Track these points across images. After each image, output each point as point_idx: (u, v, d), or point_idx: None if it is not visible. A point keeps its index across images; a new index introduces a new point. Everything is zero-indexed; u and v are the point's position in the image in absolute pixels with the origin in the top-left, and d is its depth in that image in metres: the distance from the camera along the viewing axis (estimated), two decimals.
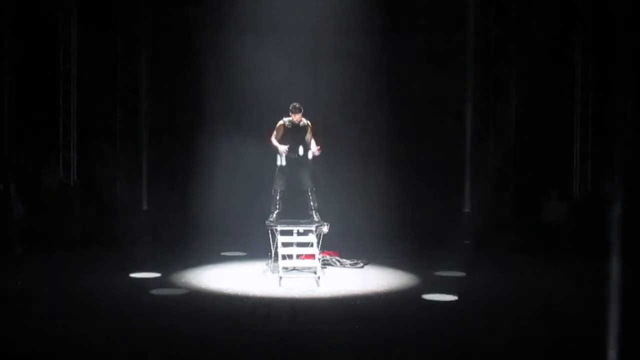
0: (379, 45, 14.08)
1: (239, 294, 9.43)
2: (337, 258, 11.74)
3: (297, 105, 10.61)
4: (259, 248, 11.54)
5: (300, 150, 10.65)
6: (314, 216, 10.81)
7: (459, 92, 14.29)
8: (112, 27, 14.23)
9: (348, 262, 11.67)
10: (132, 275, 10.66)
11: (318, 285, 9.92)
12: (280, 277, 9.98)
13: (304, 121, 10.71)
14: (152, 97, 14.36)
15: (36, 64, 14.02)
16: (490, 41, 14.17)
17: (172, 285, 10.03)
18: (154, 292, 9.54)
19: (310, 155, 10.66)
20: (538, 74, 13.79)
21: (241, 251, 12.79)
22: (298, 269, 10.53)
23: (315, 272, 10.11)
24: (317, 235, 10.57)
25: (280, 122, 10.69)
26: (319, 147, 10.64)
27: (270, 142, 10.74)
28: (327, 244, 11.24)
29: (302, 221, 10.83)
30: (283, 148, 10.62)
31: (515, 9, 14.02)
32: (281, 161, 10.70)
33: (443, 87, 14.27)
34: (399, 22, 14.44)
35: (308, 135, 10.73)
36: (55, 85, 14.16)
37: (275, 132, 10.69)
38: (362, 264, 11.68)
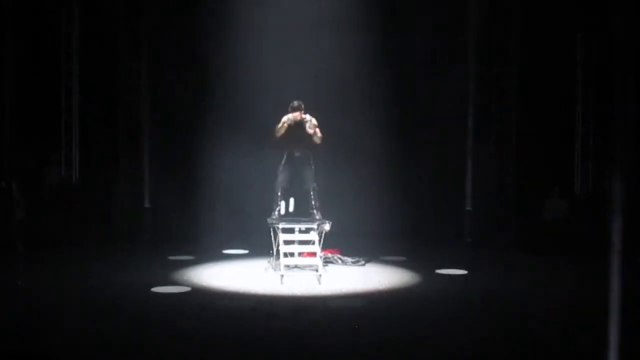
0: (380, 44, 14.08)
1: (241, 291, 9.45)
2: (339, 256, 11.77)
3: (297, 104, 10.64)
4: (260, 246, 11.56)
5: (291, 203, 10.83)
6: (316, 215, 10.84)
7: (459, 90, 14.29)
8: (113, 26, 14.24)
9: (350, 259, 11.69)
10: (133, 272, 10.69)
11: (320, 283, 9.94)
12: (282, 275, 10.01)
13: (307, 118, 10.70)
14: (154, 95, 14.36)
15: (38, 63, 14.03)
16: (491, 39, 14.17)
17: (174, 283, 10.06)
18: (156, 290, 9.56)
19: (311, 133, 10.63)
20: (539, 73, 13.80)
21: (243, 249, 12.83)
22: (300, 266, 10.54)
23: (316, 270, 10.13)
24: (318, 233, 10.58)
25: (284, 118, 10.70)
26: (315, 131, 10.65)
27: (275, 137, 10.76)
28: (329, 242, 11.26)
29: (303, 219, 10.85)
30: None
31: (515, 8, 14.02)
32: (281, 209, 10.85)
33: (444, 85, 14.29)
34: (399, 22, 14.44)
35: (310, 129, 10.70)
36: (57, 84, 14.17)
37: (278, 125, 10.68)
38: (363, 262, 11.70)
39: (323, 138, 10.80)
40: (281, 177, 10.92)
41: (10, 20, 13.82)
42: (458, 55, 14.31)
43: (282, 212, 10.81)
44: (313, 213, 10.85)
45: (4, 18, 13.78)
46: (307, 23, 14.09)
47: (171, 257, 11.98)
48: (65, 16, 14.06)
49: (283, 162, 10.90)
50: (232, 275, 10.65)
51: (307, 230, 10.58)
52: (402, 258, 12.15)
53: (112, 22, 14.25)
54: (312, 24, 14.11)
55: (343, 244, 12.10)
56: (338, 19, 13.96)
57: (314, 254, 10.41)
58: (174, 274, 10.63)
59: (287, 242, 10.43)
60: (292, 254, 10.42)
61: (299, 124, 10.67)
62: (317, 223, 10.63)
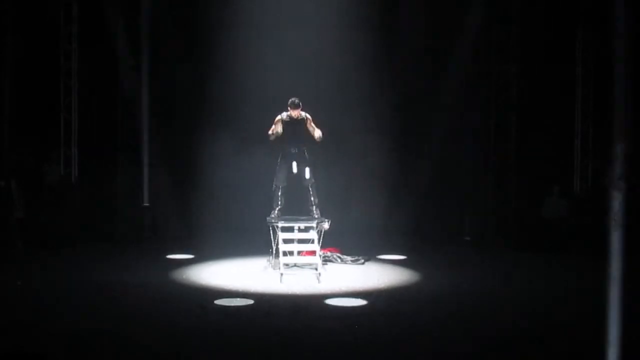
0: (380, 42, 14.09)
1: (240, 290, 9.45)
2: (338, 254, 11.76)
3: (296, 101, 10.64)
4: (260, 244, 11.55)
5: (294, 168, 10.73)
6: (315, 212, 10.84)
7: (459, 89, 14.28)
8: (113, 24, 14.22)
9: (349, 258, 11.68)
10: (133, 271, 10.68)
11: (319, 281, 9.94)
12: (281, 274, 10.00)
13: (303, 115, 10.73)
14: (153, 93, 14.36)
15: (37, 60, 14.02)
16: (491, 39, 14.16)
17: (173, 282, 10.06)
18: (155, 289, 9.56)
19: (317, 135, 10.66)
20: (539, 71, 13.80)
21: (241, 247, 12.79)
22: (299, 265, 10.55)
23: (316, 269, 10.13)
24: (318, 232, 10.58)
25: (279, 116, 10.71)
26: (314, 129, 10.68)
27: (269, 136, 10.79)
28: (328, 241, 11.25)
29: (302, 218, 10.85)
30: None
31: (515, 6, 14.01)
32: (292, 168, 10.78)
33: (443, 84, 14.28)
34: (399, 20, 14.44)
35: (309, 127, 10.72)
36: (56, 82, 14.16)
37: (273, 126, 10.71)
38: (362, 261, 11.69)
39: (322, 135, 10.80)
40: (280, 175, 10.92)
41: (10, 19, 13.81)
42: (458, 55, 14.29)
43: (295, 170, 10.77)
44: (312, 210, 10.86)
45: (4, 17, 13.76)
46: (307, 21, 14.09)
47: (170, 256, 11.97)
48: (65, 14, 14.05)
49: (280, 159, 10.90)
50: (231, 273, 10.64)
51: (307, 229, 10.58)
52: (402, 257, 12.13)
53: (111, 21, 14.23)
54: (311, 22, 14.11)
55: (342, 242, 12.09)
56: (338, 17, 13.96)
57: (313, 253, 10.41)
58: (173, 272, 10.62)
59: (286, 241, 10.42)
60: (291, 253, 10.41)
61: (296, 121, 10.67)
62: (316, 222, 10.63)
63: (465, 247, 13.44)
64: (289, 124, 10.69)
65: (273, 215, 10.82)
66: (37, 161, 14.05)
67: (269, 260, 10.93)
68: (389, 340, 7.27)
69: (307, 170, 10.79)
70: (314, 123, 10.75)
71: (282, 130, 10.70)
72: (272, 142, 10.86)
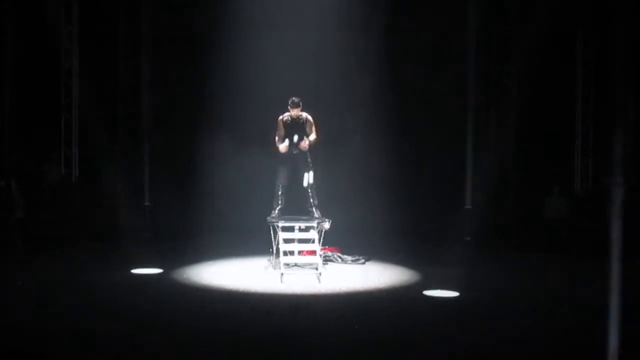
0: (380, 43, 14.09)
1: (241, 290, 9.45)
2: (339, 254, 11.76)
3: (296, 100, 10.63)
4: (260, 244, 11.55)
5: (295, 138, 10.65)
6: (315, 212, 10.84)
7: (459, 88, 14.27)
8: (113, 24, 14.23)
9: (349, 258, 11.69)
10: (134, 271, 10.69)
11: (319, 281, 9.94)
12: (282, 274, 10.01)
13: (304, 116, 10.71)
14: (154, 92, 14.36)
15: (37, 60, 14.02)
16: (491, 37, 14.16)
17: (174, 282, 10.06)
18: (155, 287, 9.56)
19: (303, 143, 10.62)
20: (539, 71, 13.80)
21: (241, 248, 12.79)
22: (299, 265, 10.55)
23: (316, 269, 10.13)
24: (318, 232, 10.58)
25: (280, 117, 10.70)
26: (309, 142, 10.65)
27: (275, 145, 10.76)
28: (329, 240, 11.25)
29: (303, 217, 10.85)
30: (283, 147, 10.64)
31: (515, 6, 14.02)
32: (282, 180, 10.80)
33: (444, 84, 14.27)
34: (399, 21, 14.45)
35: (309, 130, 10.71)
36: (57, 82, 14.17)
37: (277, 131, 10.70)
38: (363, 260, 11.69)
39: (320, 138, 10.82)
40: (281, 175, 10.92)
41: (10, 19, 13.81)
42: (458, 55, 14.29)
43: (305, 184, 10.77)
44: (311, 211, 10.85)
45: (4, 17, 13.77)
46: (307, 21, 14.09)
47: (170, 256, 11.97)
48: (65, 14, 14.05)
49: (282, 159, 10.89)
50: (231, 273, 10.65)
51: (307, 229, 10.58)
52: (402, 256, 12.13)
53: (111, 21, 14.24)
54: (311, 23, 14.11)
55: (343, 242, 12.09)
56: (338, 18, 13.96)
57: (313, 253, 10.41)
58: (173, 272, 10.62)
59: (286, 241, 10.42)
60: (292, 253, 10.41)
61: (297, 121, 10.66)
62: (316, 221, 10.62)
63: (465, 247, 13.42)
64: (290, 124, 10.68)
65: (273, 215, 10.82)
66: (37, 161, 14.05)
67: (269, 260, 10.93)
68: (389, 340, 7.27)
69: (307, 175, 10.78)
70: (315, 127, 10.75)
71: (284, 133, 10.68)
72: (280, 149, 10.76)
